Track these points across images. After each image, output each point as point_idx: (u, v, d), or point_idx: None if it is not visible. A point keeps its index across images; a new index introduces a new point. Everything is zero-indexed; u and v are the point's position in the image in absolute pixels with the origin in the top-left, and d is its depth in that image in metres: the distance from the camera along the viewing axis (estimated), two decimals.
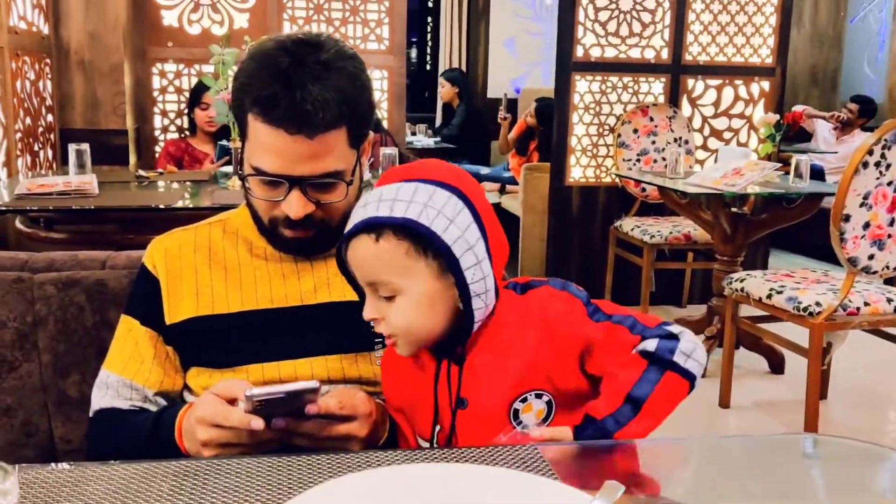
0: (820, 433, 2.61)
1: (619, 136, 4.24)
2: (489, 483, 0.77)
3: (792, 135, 4.50)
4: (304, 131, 1.02)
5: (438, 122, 7.26)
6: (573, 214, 4.40)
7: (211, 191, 2.80)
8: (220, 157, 3.51)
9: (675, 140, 4.27)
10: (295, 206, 1.07)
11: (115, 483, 0.80)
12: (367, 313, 0.98)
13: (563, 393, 0.99)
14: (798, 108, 6.05)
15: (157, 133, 4.14)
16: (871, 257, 2.58)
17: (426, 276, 0.95)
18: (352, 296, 1.04)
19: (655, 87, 4.42)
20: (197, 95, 3.69)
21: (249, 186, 1.12)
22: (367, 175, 1.21)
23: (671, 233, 3.87)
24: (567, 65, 4.29)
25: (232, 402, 0.98)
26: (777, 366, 3.47)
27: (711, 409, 3.07)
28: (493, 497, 0.76)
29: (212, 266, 1.17)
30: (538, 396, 0.98)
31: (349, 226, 0.97)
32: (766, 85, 4.51)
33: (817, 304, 2.60)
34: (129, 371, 1.16)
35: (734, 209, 3.40)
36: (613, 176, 4.33)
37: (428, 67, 8.30)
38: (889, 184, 2.54)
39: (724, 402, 3.08)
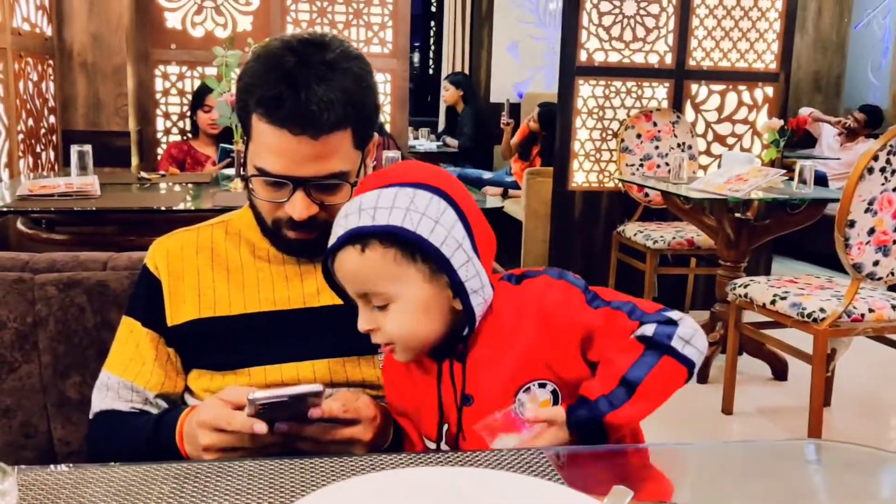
0: (824, 439, 2.59)
1: (623, 140, 4.23)
2: (494, 487, 0.76)
3: (796, 140, 4.49)
4: (309, 132, 1.01)
5: (441, 126, 7.26)
6: (576, 219, 4.39)
7: (212, 193, 2.79)
8: (221, 159, 3.51)
9: (679, 145, 4.26)
10: (298, 207, 1.06)
11: (114, 485, 0.79)
12: (362, 325, 0.97)
13: (566, 382, 0.98)
14: (805, 111, 6.05)
15: (159, 135, 4.14)
16: (875, 263, 2.57)
17: (417, 281, 0.94)
18: None
19: (659, 92, 4.41)
20: (200, 98, 3.68)
21: (253, 187, 1.10)
22: None
23: (674, 238, 3.86)
24: (571, 69, 4.29)
25: (239, 408, 0.97)
26: (780, 372, 3.45)
27: (714, 416, 3.05)
28: (498, 501, 0.74)
29: (214, 267, 1.16)
30: (542, 386, 0.97)
31: (332, 239, 0.96)
32: (769, 90, 4.51)
33: (821, 310, 2.58)
34: (129, 373, 1.14)
35: (738, 214, 3.39)
36: (616, 181, 4.32)
37: (431, 72, 8.30)
38: (894, 189, 2.53)
39: (727, 409, 3.06)
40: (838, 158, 5.79)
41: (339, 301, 1.11)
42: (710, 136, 4.52)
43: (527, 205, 4.67)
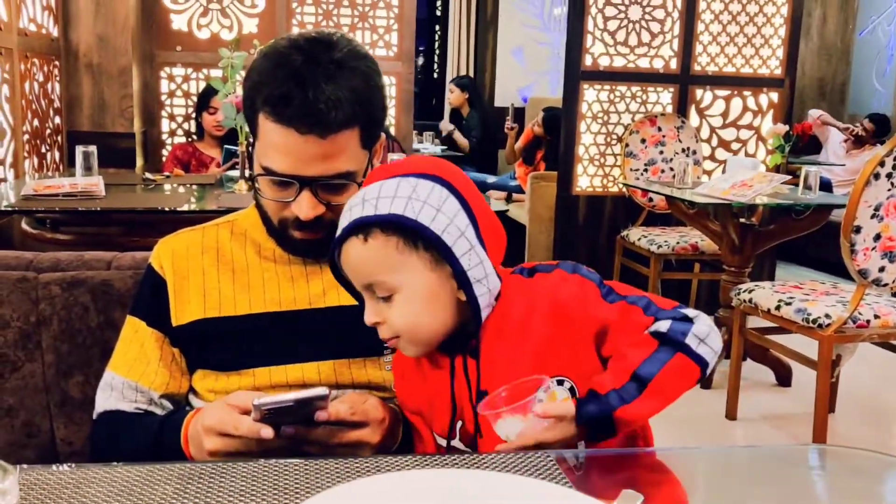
0: (828, 444, 2.58)
1: (627, 145, 4.23)
2: (500, 490, 0.75)
3: (801, 146, 4.48)
4: (316, 131, 1.01)
5: (445, 132, 7.27)
6: (580, 224, 4.38)
7: (217, 194, 2.79)
8: (226, 160, 3.51)
9: (683, 150, 4.25)
10: (305, 207, 1.05)
11: (117, 486, 0.78)
12: (368, 318, 0.96)
13: (584, 379, 0.96)
14: (815, 113, 6.03)
15: (164, 137, 4.14)
16: (881, 269, 2.56)
17: (420, 270, 0.93)
18: None
19: (664, 97, 4.41)
20: (205, 99, 3.69)
21: (259, 187, 1.10)
22: None
23: (678, 243, 3.85)
24: (576, 73, 4.28)
25: (244, 413, 0.96)
26: (784, 378, 3.44)
27: (718, 421, 3.04)
28: None
29: (219, 267, 1.15)
30: (560, 383, 0.96)
31: (338, 232, 0.96)
32: (774, 96, 4.50)
33: (827, 315, 2.57)
34: (134, 373, 1.14)
35: (742, 220, 3.38)
36: (620, 185, 4.31)
37: (435, 75, 8.30)
38: None
39: (731, 415, 3.05)
40: (843, 165, 5.78)
41: (344, 302, 1.10)
42: (714, 142, 4.51)
43: (531, 209, 4.67)
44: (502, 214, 5.14)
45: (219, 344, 1.12)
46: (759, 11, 4.42)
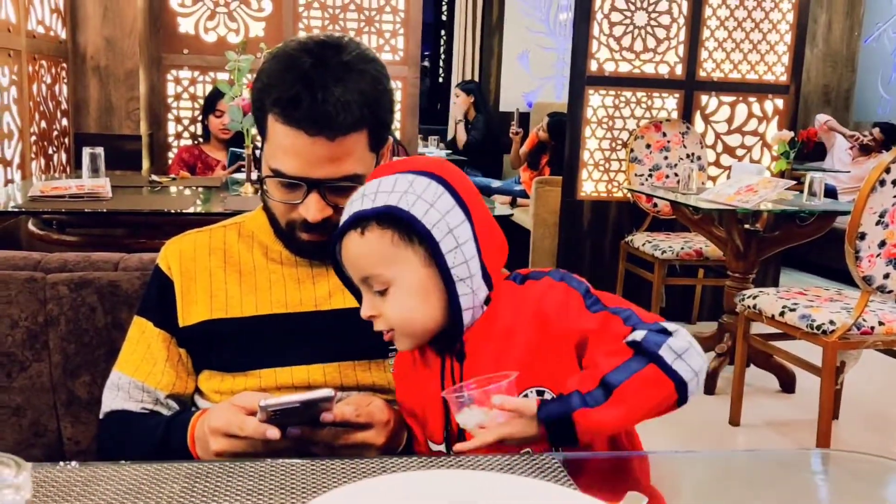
0: (832, 449, 2.57)
1: (632, 150, 4.23)
2: (506, 491, 0.76)
3: (806, 153, 4.48)
4: (325, 133, 1.01)
5: (450, 135, 7.28)
6: (584, 228, 4.38)
7: (223, 197, 2.80)
8: (231, 163, 3.52)
9: (688, 156, 4.25)
10: (313, 209, 1.06)
11: (125, 484, 0.79)
12: (364, 311, 0.97)
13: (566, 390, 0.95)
14: (822, 118, 6.02)
15: (170, 139, 4.16)
16: (886, 276, 2.56)
17: (415, 265, 0.94)
18: None
19: (669, 103, 4.41)
20: (212, 102, 3.70)
21: (267, 188, 1.11)
22: None
23: (682, 248, 3.86)
24: (581, 78, 4.29)
25: (251, 414, 0.96)
26: (788, 385, 3.44)
27: (721, 427, 3.04)
28: None
29: (226, 269, 1.16)
30: (539, 394, 0.95)
31: (339, 227, 0.97)
32: (779, 102, 4.50)
33: (831, 322, 2.57)
34: (141, 373, 1.15)
35: (747, 226, 3.38)
36: (625, 191, 4.31)
37: (441, 80, 8.32)
38: None
39: (735, 420, 3.05)
40: (848, 171, 5.77)
41: (350, 304, 1.11)
42: (719, 148, 4.51)
43: (535, 213, 4.67)
44: (506, 219, 5.14)
45: (225, 345, 1.13)
46: (764, 18, 4.43)
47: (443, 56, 8.27)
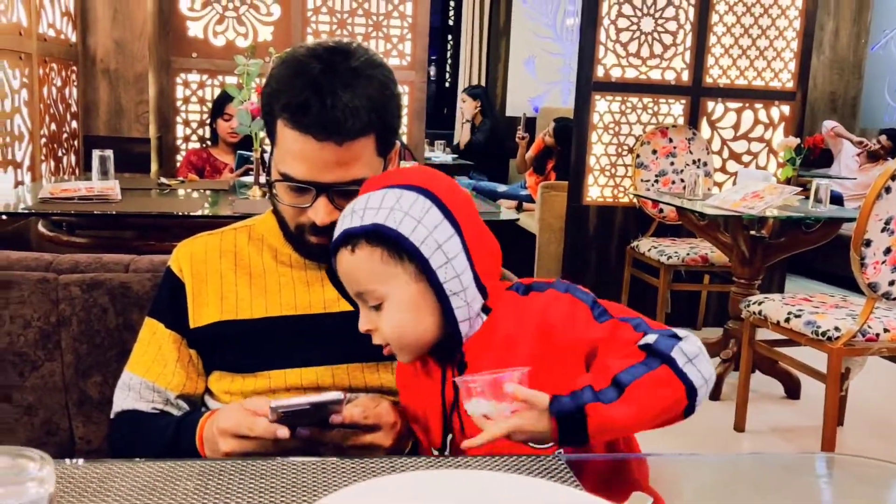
0: (836, 453, 2.58)
1: (638, 156, 4.24)
2: (514, 491, 0.77)
3: (812, 159, 4.49)
4: (333, 138, 1.03)
5: (457, 139, 7.30)
6: (590, 234, 4.39)
7: (231, 200, 2.82)
8: (239, 166, 3.54)
9: (694, 162, 4.26)
10: (321, 212, 1.08)
11: (140, 480, 0.80)
12: (361, 325, 0.99)
13: None
14: (829, 124, 6.01)
15: (178, 142, 4.18)
16: (891, 283, 2.56)
17: (405, 281, 0.96)
18: None
19: (675, 109, 4.42)
20: (220, 106, 3.72)
21: (276, 192, 1.12)
22: None
23: (688, 254, 3.86)
24: (587, 84, 4.31)
25: (261, 416, 0.98)
26: (793, 391, 3.44)
27: (726, 433, 3.04)
28: None
29: (237, 271, 1.18)
30: None
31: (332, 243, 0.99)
32: (786, 109, 4.51)
33: (836, 328, 2.58)
34: (151, 373, 1.16)
35: (753, 232, 3.38)
36: (631, 196, 4.32)
37: (447, 85, 8.34)
38: None
39: (740, 426, 3.05)
40: (855, 178, 5.76)
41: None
42: (725, 154, 4.52)
43: (541, 218, 4.68)
44: (512, 223, 5.15)
45: (235, 346, 1.14)
46: (771, 24, 4.43)
47: (449, 60, 8.29)
